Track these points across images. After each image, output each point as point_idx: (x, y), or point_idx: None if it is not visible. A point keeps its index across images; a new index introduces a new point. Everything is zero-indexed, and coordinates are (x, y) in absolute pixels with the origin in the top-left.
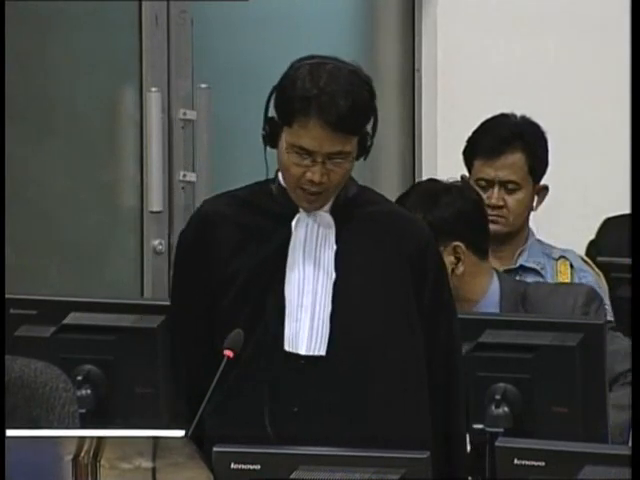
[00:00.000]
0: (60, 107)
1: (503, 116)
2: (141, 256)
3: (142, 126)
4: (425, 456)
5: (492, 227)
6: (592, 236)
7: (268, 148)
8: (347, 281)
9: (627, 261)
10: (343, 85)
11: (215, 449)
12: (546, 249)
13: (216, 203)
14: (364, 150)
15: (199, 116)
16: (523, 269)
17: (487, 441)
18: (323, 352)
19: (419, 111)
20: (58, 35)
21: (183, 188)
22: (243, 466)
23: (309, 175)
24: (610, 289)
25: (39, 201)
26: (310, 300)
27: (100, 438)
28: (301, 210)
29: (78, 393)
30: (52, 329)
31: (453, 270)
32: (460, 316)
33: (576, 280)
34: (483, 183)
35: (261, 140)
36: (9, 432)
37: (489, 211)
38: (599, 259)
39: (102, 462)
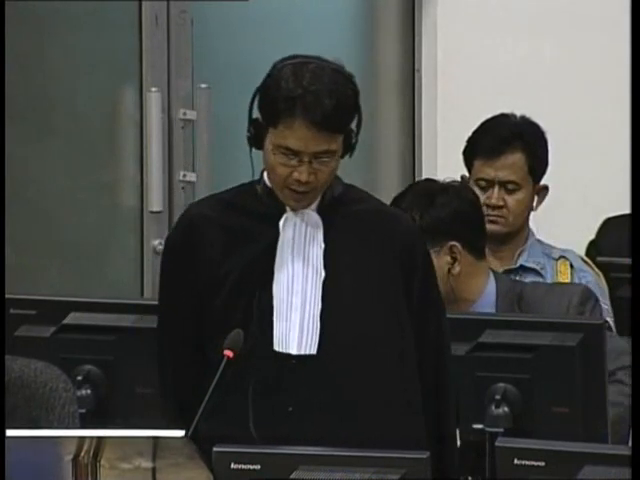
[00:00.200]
0: (60, 107)
1: (503, 116)
2: (141, 256)
3: (142, 126)
4: (425, 456)
5: (492, 227)
6: (592, 236)
7: (253, 149)
8: (336, 279)
9: (627, 261)
10: (327, 84)
11: (215, 449)
12: (546, 249)
13: (202, 206)
14: (349, 148)
15: (199, 116)
16: (523, 269)
17: (487, 441)
18: (314, 351)
19: (419, 111)
20: (58, 35)
21: (183, 188)
22: (243, 466)
23: (296, 175)
24: (610, 289)
25: (39, 201)
26: (300, 299)
27: (100, 438)
28: (288, 210)
29: (78, 393)
30: (52, 329)
31: (449, 270)
32: (460, 316)
33: (576, 280)
34: (483, 183)
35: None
36: (9, 432)
37: (489, 211)
38: (599, 259)
39: (102, 462)
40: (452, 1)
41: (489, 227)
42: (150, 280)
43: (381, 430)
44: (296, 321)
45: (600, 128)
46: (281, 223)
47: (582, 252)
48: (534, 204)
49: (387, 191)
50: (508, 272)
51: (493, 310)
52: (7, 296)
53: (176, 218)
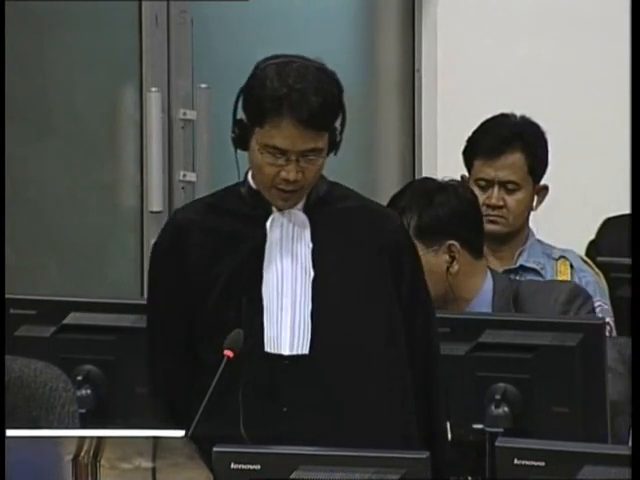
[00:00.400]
0: (60, 107)
1: (503, 116)
2: (141, 256)
3: (142, 126)
4: (425, 456)
5: (492, 227)
6: (592, 236)
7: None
8: (325, 278)
9: (627, 261)
10: (312, 82)
11: (215, 449)
12: (546, 249)
13: (187, 211)
14: (334, 146)
15: (199, 116)
16: (523, 269)
17: (487, 441)
18: (306, 351)
19: (419, 111)
20: (58, 35)
21: (183, 188)
22: (243, 466)
23: (284, 174)
24: (610, 289)
25: (39, 201)
26: (290, 300)
27: (100, 438)
28: (274, 210)
29: (78, 393)
30: (52, 329)
31: (448, 269)
32: (460, 316)
33: (576, 280)
34: (483, 183)
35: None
36: (9, 432)
37: (489, 211)
38: (599, 259)
39: (102, 462)
40: (452, 1)
41: (489, 227)
42: None
43: (373, 429)
44: (287, 322)
45: (600, 128)
46: (268, 224)
47: (582, 252)
48: (534, 204)
49: (387, 191)
50: (508, 272)
51: (489, 308)
52: (7, 296)
53: None
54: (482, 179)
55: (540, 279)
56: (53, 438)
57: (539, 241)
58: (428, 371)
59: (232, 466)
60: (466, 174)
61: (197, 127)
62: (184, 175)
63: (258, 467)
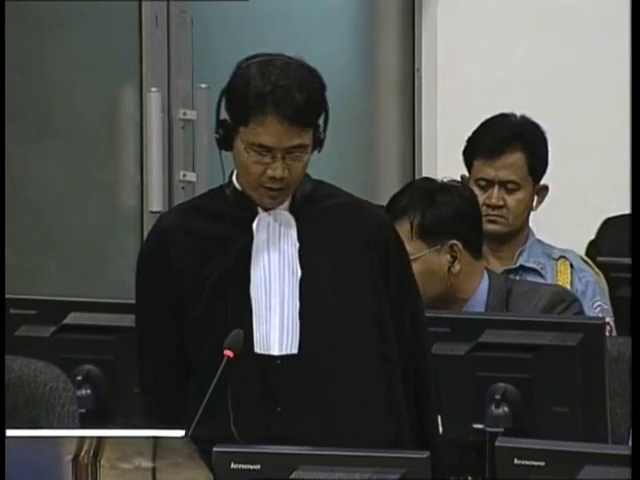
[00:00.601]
0: (60, 107)
1: (503, 116)
2: None
3: (142, 126)
4: (425, 456)
5: (492, 227)
6: (592, 236)
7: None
8: (313, 277)
9: (627, 261)
10: (295, 79)
11: (215, 449)
12: (546, 249)
13: (173, 215)
14: (318, 143)
15: (199, 116)
16: (523, 269)
17: (487, 441)
18: (295, 350)
19: (419, 111)
20: (58, 35)
21: (183, 188)
22: (243, 466)
23: (270, 172)
24: (610, 289)
25: (39, 201)
26: (278, 300)
27: (100, 438)
28: (260, 211)
29: (78, 393)
30: (52, 329)
31: (449, 269)
32: (460, 316)
33: (576, 280)
34: (483, 183)
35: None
36: (9, 432)
37: (489, 211)
38: (599, 259)
39: (102, 462)
40: (452, 1)
41: (489, 227)
42: None
43: (365, 427)
44: (276, 322)
45: (600, 128)
46: (254, 225)
47: (582, 252)
48: (534, 204)
49: (387, 191)
50: (508, 272)
51: (483, 308)
52: (7, 296)
53: None
54: (482, 179)
55: (540, 279)
56: (53, 438)
57: (539, 241)
58: (418, 366)
59: (232, 466)
60: (466, 174)
61: (197, 127)
62: (184, 175)
63: (258, 467)
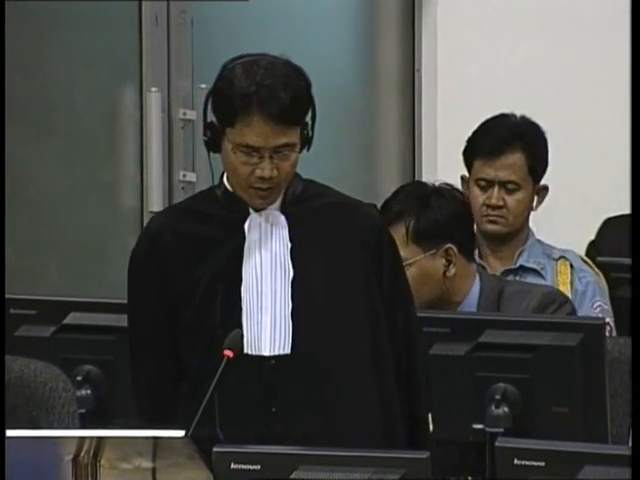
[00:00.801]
0: (60, 107)
1: (503, 116)
2: None
3: (142, 126)
4: (425, 456)
5: (492, 227)
6: (592, 236)
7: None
8: (305, 277)
9: (627, 261)
10: (280, 77)
11: (215, 449)
12: (546, 249)
13: (164, 217)
14: (306, 141)
15: (199, 116)
16: (523, 269)
17: (487, 441)
18: (288, 351)
19: (419, 111)
20: (58, 35)
21: (183, 188)
22: (243, 466)
23: (258, 172)
24: (610, 289)
25: (39, 201)
26: (270, 300)
27: (100, 438)
28: (251, 211)
29: (78, 393)
30: (52, 329)
31: (445, 273)
32: (460, 316)
33: (576, 280)
34: (483, 183)
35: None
36: (9, 432)
37: (489, 211)
38: (599, 259)
39: (102, 462)
40: (452, 1)
41: (489, 227)
42: None
43: (360, 426)
44: (267, 322)
45: (600, 128)
46: (246, 226)
47: (582, 252)
48: (534, 204)
49: (387, 191)
50: (508, 272)
51: (475, 309)
52: (7, 296)
53: None
54: (482, 179)
55: (540, 279)
56: (53, 438)
57: (539, 241)
58: (410, 364)
59: (232, 466)
60: (466, 174)
61: (197, 127)
62: (184, 175)
63: (258, 467)
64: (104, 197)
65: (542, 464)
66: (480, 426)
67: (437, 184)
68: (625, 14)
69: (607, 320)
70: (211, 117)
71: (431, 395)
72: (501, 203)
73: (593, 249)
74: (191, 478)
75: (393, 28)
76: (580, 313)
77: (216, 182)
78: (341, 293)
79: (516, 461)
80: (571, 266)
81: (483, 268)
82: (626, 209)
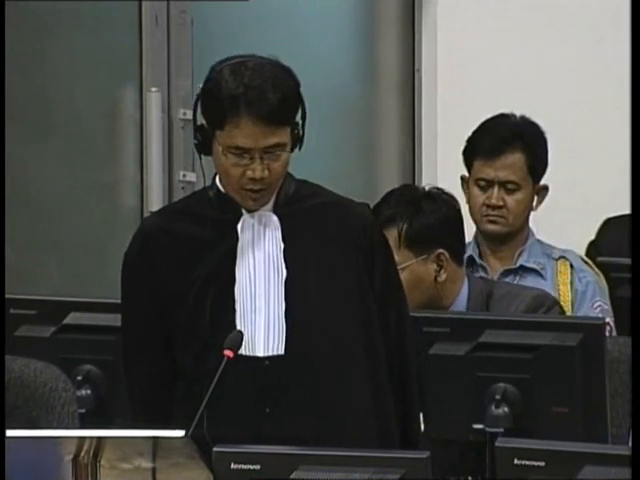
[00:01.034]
0: (60, 107)
1: (503, 116)
2: None
3: (142, 126)
4: (425, 456)
5: (492, 227)
6: (592, 236)
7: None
8: (298, 277)
9: (627, 261)
10: (268, 78)
11: (215, 449)
12: (546, 249)
13: (157, 218)
14: (297, 141)
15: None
16: (523, 269)
17: (487, 441)
18: (281, 351)
19: (419, 111)
20: (58, 35)
21: (183, 188)
22: (243, 466)
23: (249, 173)
24: (610, 289)
25: (39, 201)
26: (263, 301)
27: (100, 438)
28: (244, 212)
29: (78, 393)
30: (52, 329)
31: (436, 278)
32: (460, 316)
33: (576, 280)
34: (483, 183)
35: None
36: (9, 432)
37: (489, 211)
38: (599, 259)
39: (102, 462)
40: (452, 1)
41: (489, 227)
42: None
43: (354, 427)
44: (261, 323)
45: (600, 128)
46: (239, 227)
47: (582, 252)
48: (534, 204)
49: (387, 191)
50: (508, 272)
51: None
52: (7, 296)
53: None
54: (482, 179)
55: (540, 279)
56: (53, 438)
57: (539, 241)
58: (402, 364)
59: (232, 466)
60: (466, 174)
61: None
62: (184, 175)
63: (258, 467)
64: (104, 197)
65: (542, 464)
66: (480, 426)
67: (427, 188)
68: (625, 14)
69: (607, 320)
70: (201, 120)
71: (423, 394)
72: (501, 203)
73: (593, 249)
74: (191, 478)
75: (393, 28)
76: (580, 313)
77: (208, 183)
78: (334, 293)
79: (516, 461)
80: (571, 266)
81: (483, 268)
82: (626, 209)
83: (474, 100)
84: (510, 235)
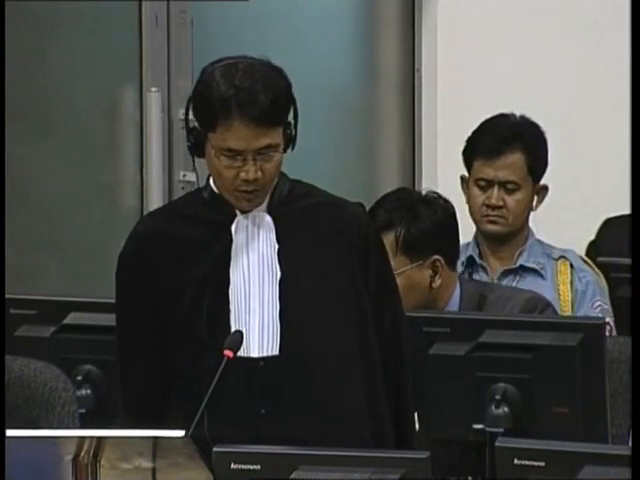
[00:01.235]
0: (60, 107)
1: (503, 116)
2: None
3: (142, 126)
4: (425, 456)
5: (492, 227)
6: (592, 236)
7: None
8: (293, 278)
9: (627, 261)
10: (259, 79)
11: (215, 449)
12: (546, 249)
13: (152, 219)
14: (290, 140)
15: None
16: (523, 269)
17: (487, 441)
18: (276, 352)
19: (419, 111)
20: (58, 35)
21: (183, 188)
22: (243, 466)
23: (243, 175)
24: (610, 289)
25: (39, 201)
26: (257, 302)
27: (100, 438)
28: (238, 213)
29: (78, 393)
30: (52, 329)
31: (430, 283)
32: (460, 316)
33: (576, 280)
34: (483, 183)
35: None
36: (9, 432)
37: (489, 211)
38: (599, 259)
39: (102, 462)
40: (452, 1)
41: (489, 227)
42: None
43: (347, 428)
44: (255, 324)
45: (600, 128)
46: (233, 228)
47: (582, 252)
48: (534, 204)
49: (387, 191)
50: (508, 272)
51: None
52: (7, 296)
53: None
54: (482, 179)
55: (540, 279)
56: (53, 438)
57: (539, 241)
58: (397, 364)
59: (232, 466)
60: (466, 174)
61: None
62: (184, 175)
63: (258, 467)
64: (104, 197)
65: (542, 464)
66: (480, 426)
67: (423, 192)
68: (625, 14)
69: (607, 320)
70: (193, 122)
71: (421, 395)
72: (501, 203)
73: (593, 249)
74: (191, 478)
75: (393, 28)
76: (580, 313)
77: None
78: (329, 294)
79: (516, 461)
80: (571, 266)
81: (483, 268)
82: (626, 209)
83: (474, 100)
84: (510, 235)
